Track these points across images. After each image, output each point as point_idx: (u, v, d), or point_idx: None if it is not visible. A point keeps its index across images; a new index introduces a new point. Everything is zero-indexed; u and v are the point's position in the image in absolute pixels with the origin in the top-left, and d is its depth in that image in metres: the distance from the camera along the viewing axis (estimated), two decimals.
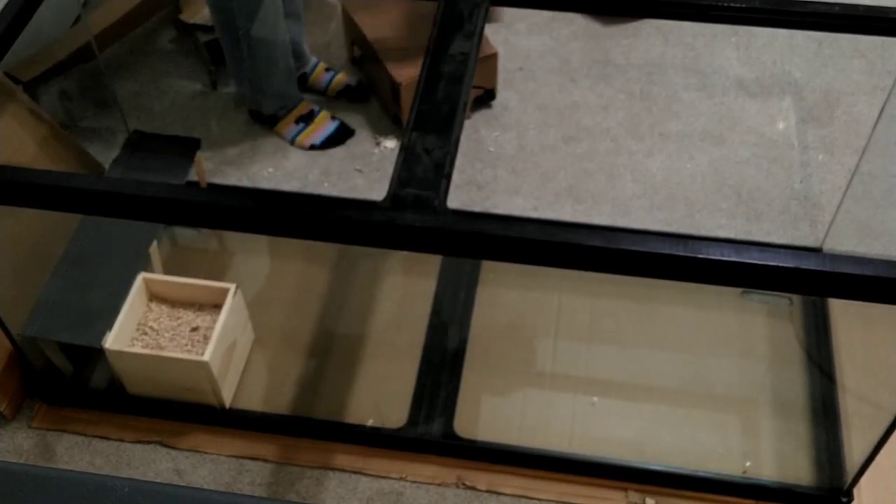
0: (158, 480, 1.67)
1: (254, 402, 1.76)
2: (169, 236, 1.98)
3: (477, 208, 2.07)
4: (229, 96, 2.33)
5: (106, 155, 2.12)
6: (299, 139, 2.20)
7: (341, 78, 2.30)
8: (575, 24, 2.45)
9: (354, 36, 2.29)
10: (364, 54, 2.28)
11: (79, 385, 1.78)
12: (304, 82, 2.29)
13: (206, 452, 1.71)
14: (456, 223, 1.15)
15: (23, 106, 1.90)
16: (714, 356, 1.79)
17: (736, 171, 2.14)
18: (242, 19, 1.99)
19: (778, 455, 1.67)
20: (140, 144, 2.02)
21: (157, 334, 1.73)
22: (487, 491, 1.65)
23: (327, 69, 2.31)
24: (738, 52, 2.40)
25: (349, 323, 1.86)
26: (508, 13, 2.46)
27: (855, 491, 1.60)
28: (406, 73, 2.09)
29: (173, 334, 1.73)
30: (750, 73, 2.34)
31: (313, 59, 2.31)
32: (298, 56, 2.24)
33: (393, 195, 1.17)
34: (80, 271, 1.78)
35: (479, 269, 1.93)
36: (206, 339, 1.70)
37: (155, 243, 1.82)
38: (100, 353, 1.67)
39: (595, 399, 1.74)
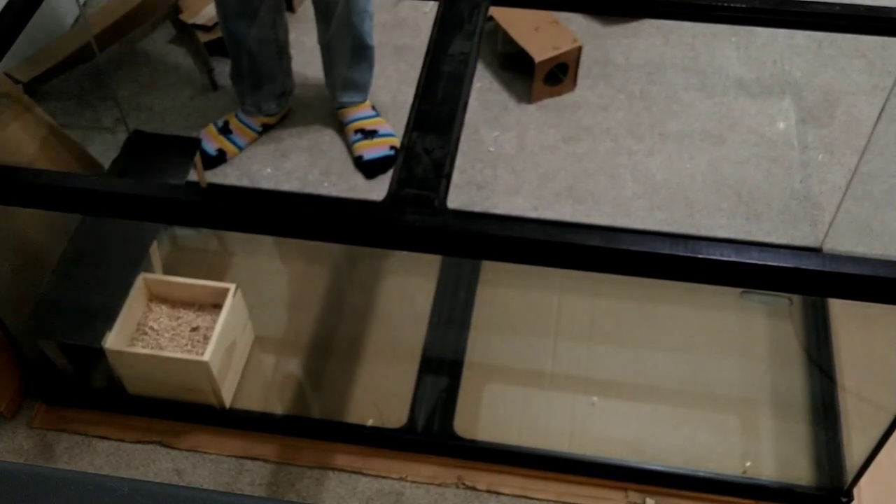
0: (158, 480, 1.67)
1: (254, 402, 1.76)
2: (169, 236, 1.98)
3: (477, 208, 2.07)
4: (229, 96, 2.33)
5: (106, 155, 2.12)
6: (207, 129, 2.20)
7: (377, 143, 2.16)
8: (575, 24, 2.44)
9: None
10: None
11: (79, 385, 1.78)
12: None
13: (206, 452, 1.71)
14: (456, 223, 1.15)
15: (23, 106, 1.90)
16: (714, 356, 1.79)
17: (736, 171, 2.14)
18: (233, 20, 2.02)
19: (778, 455, 1.67)
20: (140, 144, 2.02)
21: (157, 334, 1.73)
22: (487, 491, 1.65)
23: (366, 133, 2.17)
24: (738, 52, 2.40)
25: (349, 323, 1.86)
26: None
27: (855, 491, 1.60)
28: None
29: (173, 334, 1.73)
30: (750, 73, 2.34)
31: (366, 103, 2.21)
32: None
33: (393, 195, 1.17)
34: (80, 271, 1.78)
35: (479, 269, 1.93)
36: (206, 339, 1.70)
37: (155, 243, 1.82)
38: (100, 353, 1.67)
39: (595, 399, 1.74)
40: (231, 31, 2.05)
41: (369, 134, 2.16)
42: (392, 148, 2.14)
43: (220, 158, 2.16)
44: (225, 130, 2.19)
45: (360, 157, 2.14)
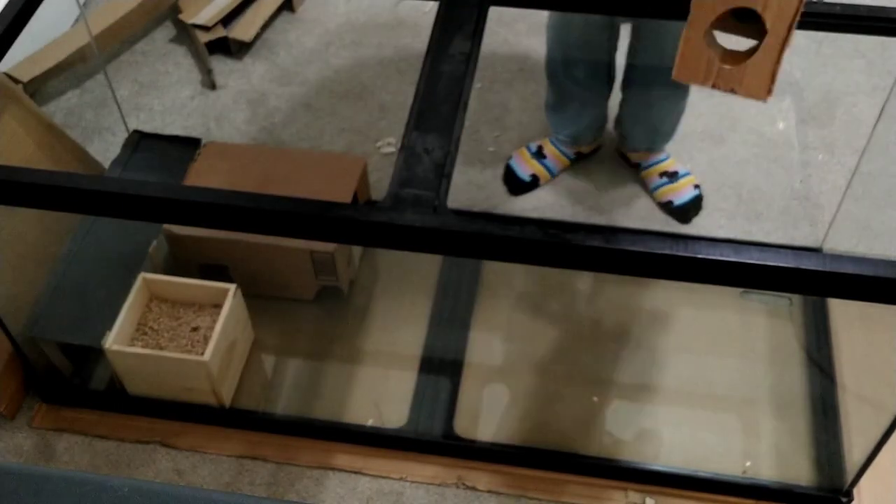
0: (158, 480, 1.67)
1: (254, 402, 1.76)
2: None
3: (477, 208, 2.07)
4: (229, 96, 2.34)
5: (106, 155, 2.12)
6: (520, 152, 2.14)
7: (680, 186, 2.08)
8: None
9: None
10: None
11: (79, 385, 1.78)
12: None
13: (206, 452, 1.71)
14: (456, 223, 1.15)
15: (23, 106, 1.90)
16: (714, 356, 1.79)
17: (736, 171, 2.14)
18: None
19: (778, 455, 1.67)
20: (140, 144, 2.02)
21: (157, 334, 1.73)
22: (487, 491, 1.65)
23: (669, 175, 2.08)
24: None
25: (349, 322, 1.86)
26: (508, 13, 2.46)
27: (855, 491, 1.60)
28: None
29: (173, 334, 1.73)
30: None
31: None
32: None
33: (393, 195, 1.18)
34: (80, 271, 1.78)
35: (479, 269, 1.93)
36: (206, 339, 1.70)
37: (155, 243, 1.82)
38: (100, 353, 1.67)
39: (595, 399, 1.74)
40: (564, 59, 1.97)
41: (671, 176, 2.08)
42: (696, 187, 2.07)
43: (534, 184, 2.10)
44: (539, 155, 2.12)
45: (669, 203, 2.06)
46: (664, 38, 1.84)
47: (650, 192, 2.08)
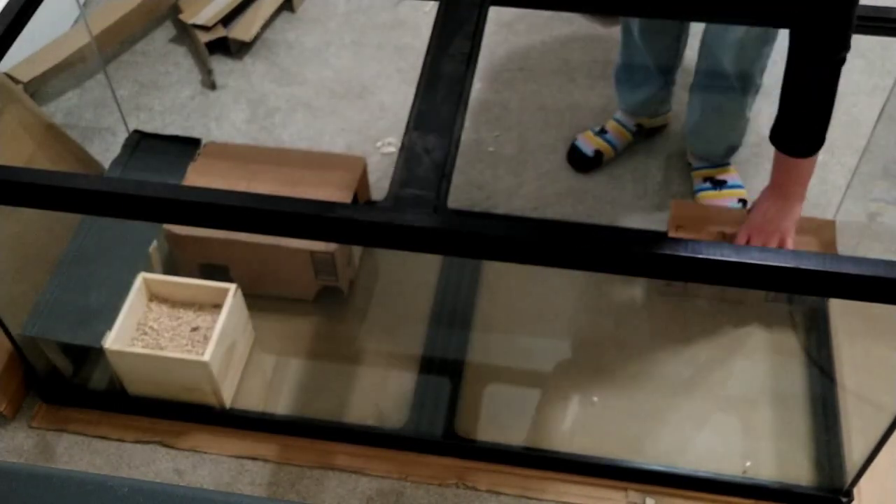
0: (158, 480, 1.67)
1: (254, 402, 1.76)
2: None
3: (477, 208, 2.07)
4: (229, 96, 2.34)
5: (106, 155, 2.12)
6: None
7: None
8: (575, 24, 2.44)
9: None
10: None
11: (79, 385, 1.78)
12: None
13: (206, 452, 1.71)
14: (456, 223, 1.15)
15: (23, 106, 1.90)
16: (714, 356, 1.79)
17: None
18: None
19: (778, 455, 1.67)
20: (140, 144, 2.02)
21: (157, 334, 1.73)
22: (487, 491, 1.65)
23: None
24: None
25: (349, 322, 1.86)
26: (508, 13, 2.46)
27: (855, 491, 1.60)
28: None
29: (173, 334, 1.73)
30: None
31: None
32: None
33: (393, 195, 1.18)
34: (80, 271, 1.78)
35: (480, 269, 1.93)
36: (206, 339, 1.70)
37: (155, 243, 1.82)
38: (100, 353, 1.67)
39: (595, 399, 1.74)
40: (641, 29, 1.97)
41: (718, 184, 2.04)
42: (740, 201, 2.01)
43: (598, 160, 2.11)
44: (601, 132, 2.13)
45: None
46: (720, 46, 1.85)
47: (693, 194, 2.06)
